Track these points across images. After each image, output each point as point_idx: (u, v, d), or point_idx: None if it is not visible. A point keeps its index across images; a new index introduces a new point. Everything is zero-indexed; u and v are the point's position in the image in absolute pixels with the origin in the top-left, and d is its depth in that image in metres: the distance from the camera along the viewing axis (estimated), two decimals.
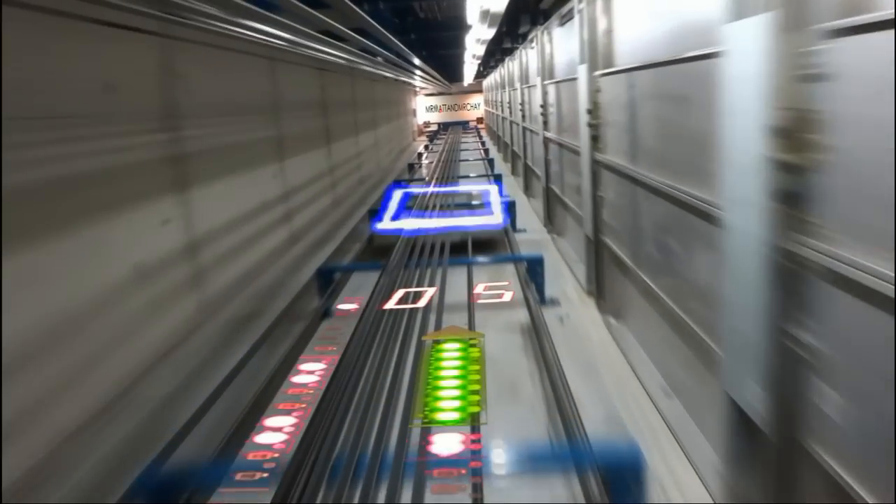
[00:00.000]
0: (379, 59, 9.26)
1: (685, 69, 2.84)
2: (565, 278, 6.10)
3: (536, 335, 4.46)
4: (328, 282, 5.41)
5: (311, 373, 4.46)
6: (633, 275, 4.14)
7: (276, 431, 3.56)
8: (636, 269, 3.99)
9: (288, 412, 3.78)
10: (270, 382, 4.10)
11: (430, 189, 8.97)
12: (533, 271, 5.34)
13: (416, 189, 9.01)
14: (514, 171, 13.97)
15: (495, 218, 6.78)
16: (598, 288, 5.14)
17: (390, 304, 4.75)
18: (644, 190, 3.67)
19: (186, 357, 4.28)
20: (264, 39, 5.45)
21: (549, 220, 8.08)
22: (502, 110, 16.40)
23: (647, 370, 3.94)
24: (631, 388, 3.87)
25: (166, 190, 4.64)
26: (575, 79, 5.45)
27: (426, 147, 20.85)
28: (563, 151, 6.79)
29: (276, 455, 3.25)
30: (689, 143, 2.86)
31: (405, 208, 7.76)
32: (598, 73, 4.68)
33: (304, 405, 3.86)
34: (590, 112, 4.82)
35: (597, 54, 4.72)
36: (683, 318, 3.18)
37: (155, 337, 3.96)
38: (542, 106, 7.82)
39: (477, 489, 2.74)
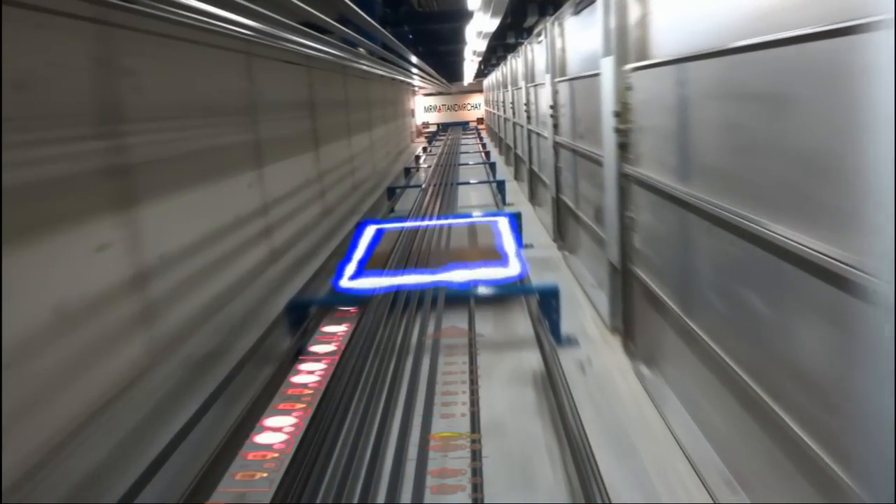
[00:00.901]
0: (369, 53, 8.40)
1: (787, 55, 1.96)
2: (582, 308, 5.22)
3: (553, 391, 3.59)
4: (301, 317, 4.53)
5: (278, 429, 3.69)
6: (677, 322, 3.27)
7: None
8: (685, 318, 3.11)
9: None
10: (229, 441, 3.37)
11: (417, 223, 6.85)
12: (546, 305, 4.46)
13: (394, 225, 6.91)
14: (517, 176, 13.09)
15: (510, 268, 5.05)
16: (626, 326, 4.26)
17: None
18: (701, 219, 2.79)
19: (124, 415, 3.50)
20: (237, 31, 4.64)
21: (560, 235, 7.20)
22: (504, 111, 15.51)
23: (698, 447, 3.06)
24: (679, 473, 2.99)
25: (103, 209, 3.82)
26: (596, 75, 4.57)
27: (424, 149, 20.00)
28: (577, 159, 5.91)
29: None
30: (794, 164, 1.98)
31: (369, 260, 5.71)
32: (628, 66, 3.80)
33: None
34: (617, 115, 3.94)
35: (627, 44, 3.84)
36: (766, 402, 2.30)
37: (83, 393, 3.17)
38: (551, 107, 6.94)
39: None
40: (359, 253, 5.79)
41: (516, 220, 6.80)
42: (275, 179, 7.02)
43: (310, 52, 6.92)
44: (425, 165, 15.09)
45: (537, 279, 5.96)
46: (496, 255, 5.36)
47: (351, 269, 5.40)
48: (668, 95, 3.10)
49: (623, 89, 3.87)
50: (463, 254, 5.54)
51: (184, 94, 4.90)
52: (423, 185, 10.18)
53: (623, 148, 3.94)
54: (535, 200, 10.07)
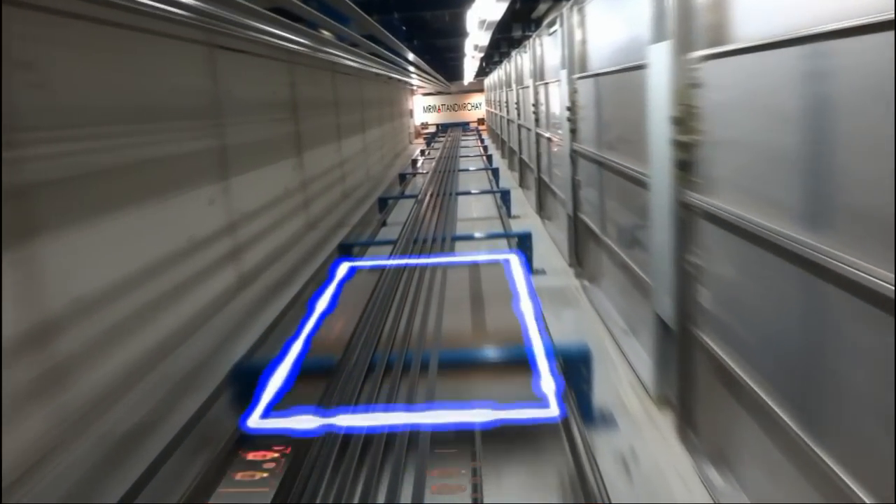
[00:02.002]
0: (358, 47, 7.34)
1: None
2: (615, 366, 4.12)
3: None
4: (250, 384, 3.42)
5: None
6: (779, 428, 2.19)
7: None
8: (803, 436, 2.02)
9: None
10: None
11: (404, 261, 5.02)
12: (573, 371, 3.37)
13: (372, 262, 5.13)
14: (522, 183, 12.01)
15: (549, 408, 2.89)
16: (682, 404, 3.17)
17: None
18: (861, 301, 1.70)
19: None
20: (191, 17, 3.62)
21: (577, 259, 6.11)
22: (508, 112, 14.42)
23: None
24: None
25: None
26: (638, 68, 3.49)
27: (422, 152, 18.93)
28: (604, 173, 4.82)
29: None
30: None
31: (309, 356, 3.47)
32: (697, 55, 2.71)
33: None
34: (677, 122, 2.86)
35: (691, 24, 2.76)
36: None
37: None
38: (569, 108, 5.85)
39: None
40: (285, 366, 3.36)
41: (524, 242, 5.69)
42: (245, 192, 5.97)
43: (290, 45, 5.88)
44: (422, 171, 14.01)
45: (553, 317, 4.88)
46: (517, 359, 3.24)
47: (276, 383, 3.17)
48: (781, 95, 2.01)
49: (686, 87, 2.79)
50: (462, 341, 3.67)
51: (115, 94, 3.88)
52: (419, 196, 9.08)
53: (685, 168, 2.86)
54: (544, 213, 8.97)
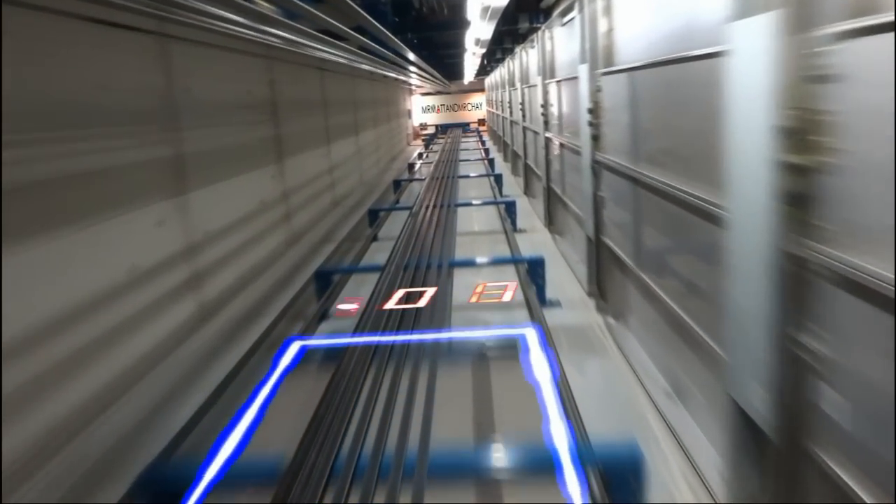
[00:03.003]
0: (349, 42, 6.39)
1: None
2: (660, 449, 3.14)
3: None
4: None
5: None
6: None
7: None
8: None
9: None
10: None
11: (376, 339, 3.55)
12: (618, 483, 2.39)
13: (332, 341, 3.80)
14: (527, 190, 11.05)
15: None
16: None
17: None
18: None
19: None
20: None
21: (599, 290, 5.14)
22: (511, 113, 13.45)
23: None
24: None
25: None
26: (706, 56, 2.53)
27: (420, 155, 17.98)
28: (641, 193, 3.85)
29: None
30: None
31: None
32: (825, 31, 1.75)
33: None
34: (790, 135, 1.89)
35: None
36: None
37: None
38: (590, 111, 4.87)
39: None
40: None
41: (536, 268, 4.68)
42: (209, 207, 4.98)
43: (265, 38, 4.90)
44: (420, 176, 13.05)
45: (574, 370, 3.92)
46: (541, 476, 2.25)
47: None
48: None
49: (803, 80, 1.82)
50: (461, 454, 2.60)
51: (23, 93, 2.91)
52: (414, 208, 8.10)
53: (798, 204, 1.89)
54: (553, 227, 8.00)
